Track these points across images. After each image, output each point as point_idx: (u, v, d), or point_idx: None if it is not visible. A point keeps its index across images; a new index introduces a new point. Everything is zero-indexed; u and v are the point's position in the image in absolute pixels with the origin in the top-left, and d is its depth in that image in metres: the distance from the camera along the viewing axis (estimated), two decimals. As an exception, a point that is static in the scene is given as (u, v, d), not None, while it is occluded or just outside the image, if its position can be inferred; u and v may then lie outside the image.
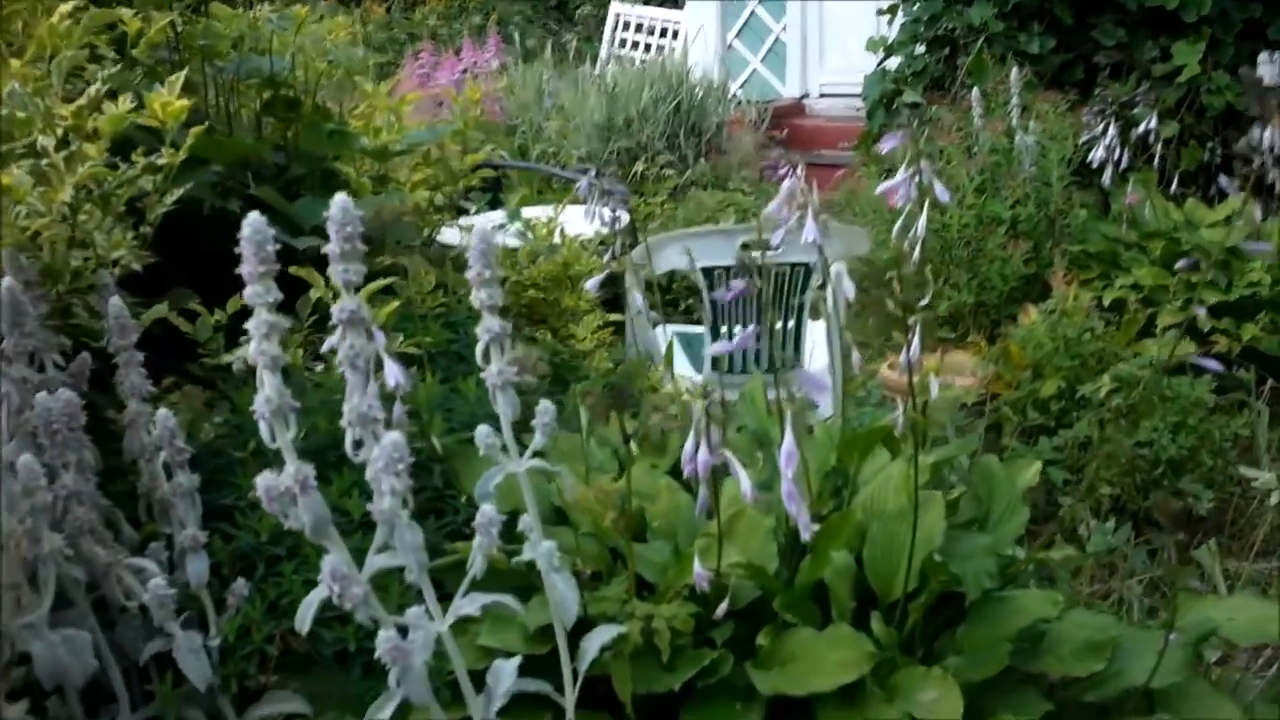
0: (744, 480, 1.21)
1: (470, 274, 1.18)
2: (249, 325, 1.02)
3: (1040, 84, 4.11)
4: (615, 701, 1.41)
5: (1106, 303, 3.18)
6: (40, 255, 1.42)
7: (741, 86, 6.74)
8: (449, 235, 2.61)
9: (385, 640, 1.08)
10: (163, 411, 1.34)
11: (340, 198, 1.03)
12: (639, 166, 4.59)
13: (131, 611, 1.36)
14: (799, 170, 1.78)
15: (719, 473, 1.42)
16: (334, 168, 2.24)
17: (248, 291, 1.02)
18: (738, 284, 1.14)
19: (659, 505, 1.75)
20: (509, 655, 1.37)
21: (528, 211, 3.09)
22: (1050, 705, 1.47)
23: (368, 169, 2.38)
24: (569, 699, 1.31)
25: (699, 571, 1.33)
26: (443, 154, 2.57)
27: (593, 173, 1.98)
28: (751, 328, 1.09)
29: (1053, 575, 2.05)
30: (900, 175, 1.70)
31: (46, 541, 1.20)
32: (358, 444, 1.09)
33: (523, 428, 1.27)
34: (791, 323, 2.67)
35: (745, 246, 2.32)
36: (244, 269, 1.01)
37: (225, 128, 2.23)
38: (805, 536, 1.29)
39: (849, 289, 1.68)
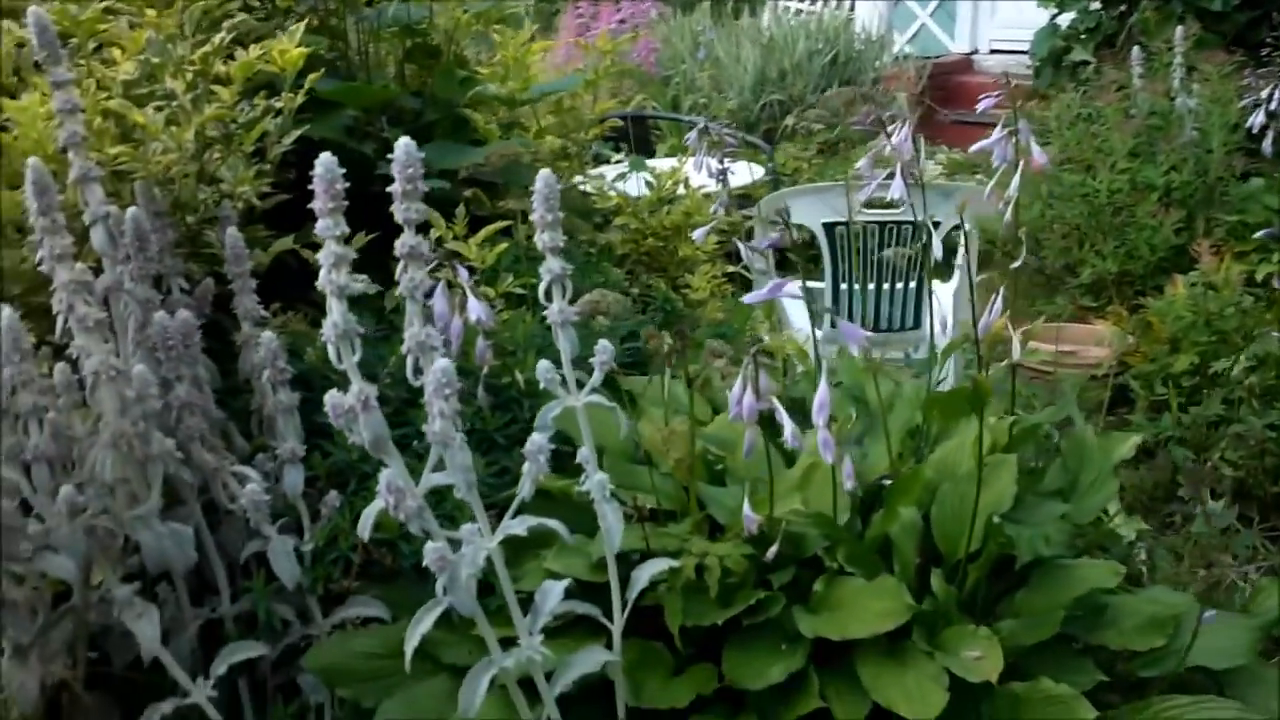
0: (788, 426, 1.25)
1: (534, 217, 1.25)
2: (320, 255, 1.12)
3: (1221, 42, 3.89)
4: (669, 633, 1.47)
5: (1260, 277, 3.02)
6: (172, 189, 1.56)
7: (909, 41, 6.58)
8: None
9: (432, 550, 1.17)
10: (267, 334, 1.46)
11: (403, 141, 1.11)
12: (789, 120, 4.57)
13: (236, 514, 1.50)
14: (905, 126, 1.79)
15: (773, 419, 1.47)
16: (465, 114, 2.34)
17: (319, 225, 1.11)
18: (773, 235, 1.17)
19: (740, 450, 1.80)
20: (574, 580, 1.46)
21: (661, 163, 3.14)
22: (1103, 676, 1.46)
23: (500, 117, 2.47)
24: (616, 624, 1.38)
25: (748, 515, 1.38)
26: (574, 103, 2.65)
27: (702, 123, 2.02)
28: (782, 281, 1.11)
29: (1152, 552, 2.01)
30: (995, 135, 1.69)
31: (156, 444, 1.34)
32: (418, 370, 1.18)
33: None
34: (912, 284, 2.65)
35: (872, 203, 2.32)
36: (316, 204, 1.11)
37: (365, 74, 2.36)
38: (848, 486, 1.32)
39: (938, 249, 1.69)
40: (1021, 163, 1.76)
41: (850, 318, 2.70)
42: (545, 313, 1.30)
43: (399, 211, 1.13)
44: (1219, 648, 1.47)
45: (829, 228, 2.62)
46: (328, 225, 1.11)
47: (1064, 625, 1.51)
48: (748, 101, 4.66)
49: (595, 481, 1.32)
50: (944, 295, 2.88)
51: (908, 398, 1.92)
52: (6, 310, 1.24)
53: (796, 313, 2.87)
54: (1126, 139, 3.39)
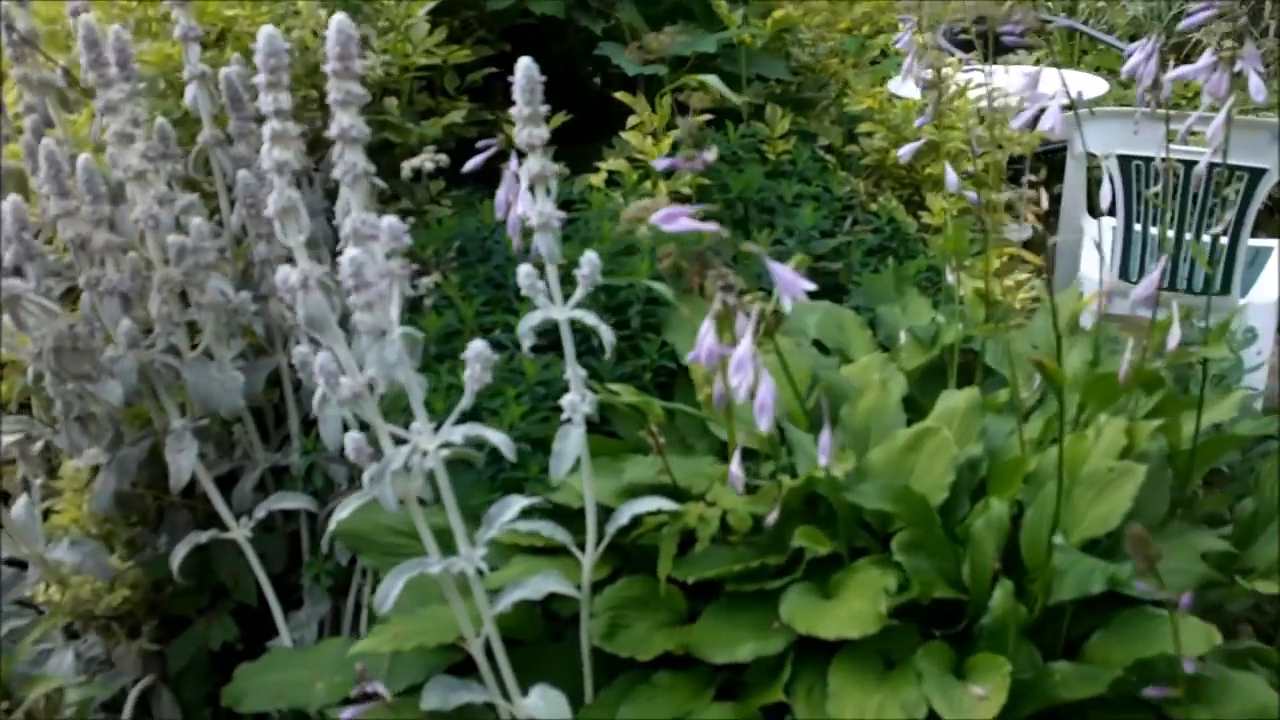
0: (760, 390, 1.05)
1: (514, 110, 1.16)
2: (263, 130, 1.11)
3: None
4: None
5: None
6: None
7: None
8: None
9: (351, 440, 1.15)
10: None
11: (336, 19, 1.05)
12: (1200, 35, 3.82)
13: (316, 371, 1.56)
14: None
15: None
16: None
17: (261, 100, 1.10)
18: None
19: (864, 400, 1.60)
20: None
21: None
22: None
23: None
24: (587, 556, 1.30)
25: (733, 471, 1.22)
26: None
27: (912, 23, 1.75)
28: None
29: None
30: (1204, 59, 1.31)
31: (210, 293, 1.43)
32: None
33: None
34: (1225, 238, 2.17)
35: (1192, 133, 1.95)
36: (259, 78, 1.09)
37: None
38: (822, 462, 1.11)
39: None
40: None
41: (1142, 269, 2.27)
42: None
43: (331, 90, 1.08)
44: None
45: (1125, 160, 2.19)
46: (267, 102, 1.09)
47: (1144, 688, 1.21)
48: (1159, 9, 3.92)
49: (566, 400, 1.24)
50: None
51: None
52: (84, 155, 1.36)
53: (1091, 260, 2.46)
54: None
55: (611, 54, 2.08)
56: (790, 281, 0.96)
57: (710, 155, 0.97)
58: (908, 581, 1.26)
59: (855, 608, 1.18)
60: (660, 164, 1.00)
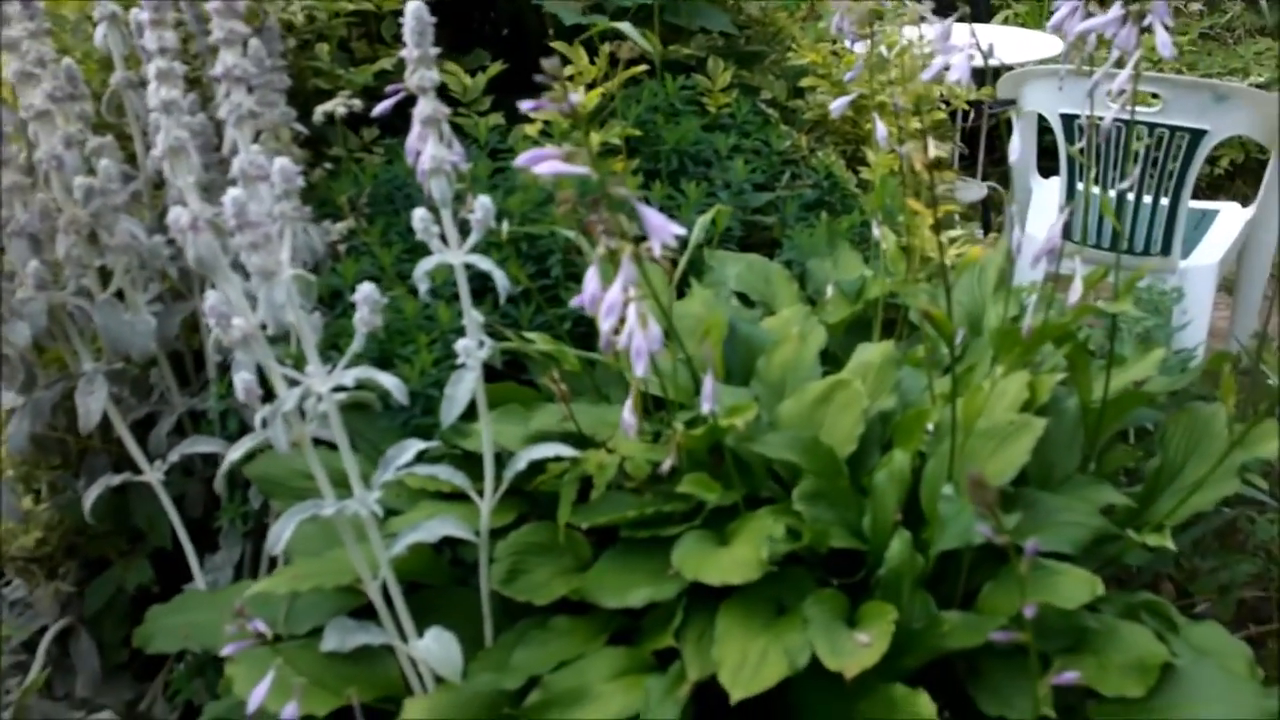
0: (636, 336, 1.05)
1: (405, 52, 1.15)
2: (148, 71, 1.10)
3: None
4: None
5: None
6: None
7: None
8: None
9: (241, 381, 1.15)
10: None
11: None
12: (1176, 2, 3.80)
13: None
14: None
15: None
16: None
17: (145, 36, 1.09)
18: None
19: (780, 352, 1.61)
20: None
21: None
22: (1050, 712, 1.17)
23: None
24: (485, 502, 1.30)
25: (625, 418, 1.22)
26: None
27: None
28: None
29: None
30: (1112, 11, 1.30)
31: (119, 235, 1.42)
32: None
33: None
34: (1165, 200, 2.16)
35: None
36: (143, 14, 1.08)
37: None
38: (705, 408, 1.12)
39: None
40: None
41: (1085, 228, 2.26)
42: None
43: (215, 29, 1.07)
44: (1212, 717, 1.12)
45: (1067, 119, 2.18)
46: (151, 40, 1.08)
47: (1038, 640, 1.23)
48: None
49: (459, 345, 1.24)
50: (1232, 221, 2.35)
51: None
52: (-12, 92, 1.35)
53: (1045, 217, 2.46)
54: None
55: (546, 3, 2.06)
56: (659, 225, 0.96)
57: (576, 98, 0.97)
58: (801, 530, 1.27)
59: (741, 555, 1.19)
60: (525, 106, 1.00)
